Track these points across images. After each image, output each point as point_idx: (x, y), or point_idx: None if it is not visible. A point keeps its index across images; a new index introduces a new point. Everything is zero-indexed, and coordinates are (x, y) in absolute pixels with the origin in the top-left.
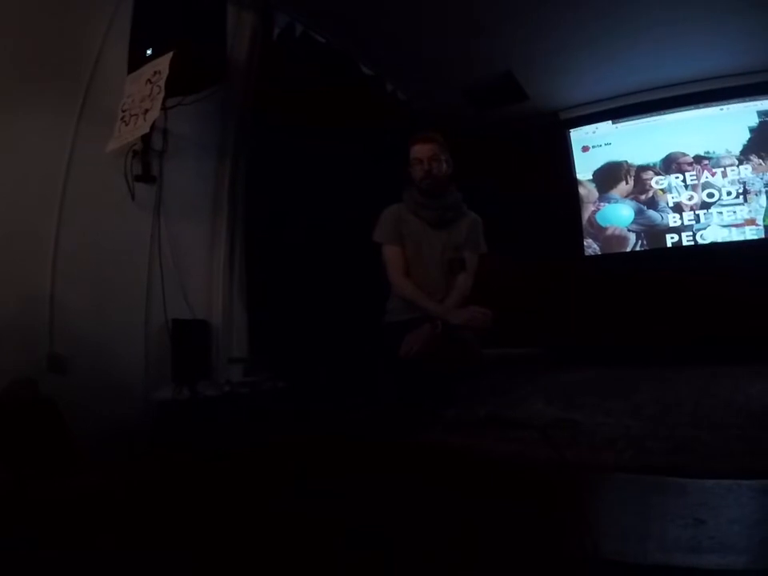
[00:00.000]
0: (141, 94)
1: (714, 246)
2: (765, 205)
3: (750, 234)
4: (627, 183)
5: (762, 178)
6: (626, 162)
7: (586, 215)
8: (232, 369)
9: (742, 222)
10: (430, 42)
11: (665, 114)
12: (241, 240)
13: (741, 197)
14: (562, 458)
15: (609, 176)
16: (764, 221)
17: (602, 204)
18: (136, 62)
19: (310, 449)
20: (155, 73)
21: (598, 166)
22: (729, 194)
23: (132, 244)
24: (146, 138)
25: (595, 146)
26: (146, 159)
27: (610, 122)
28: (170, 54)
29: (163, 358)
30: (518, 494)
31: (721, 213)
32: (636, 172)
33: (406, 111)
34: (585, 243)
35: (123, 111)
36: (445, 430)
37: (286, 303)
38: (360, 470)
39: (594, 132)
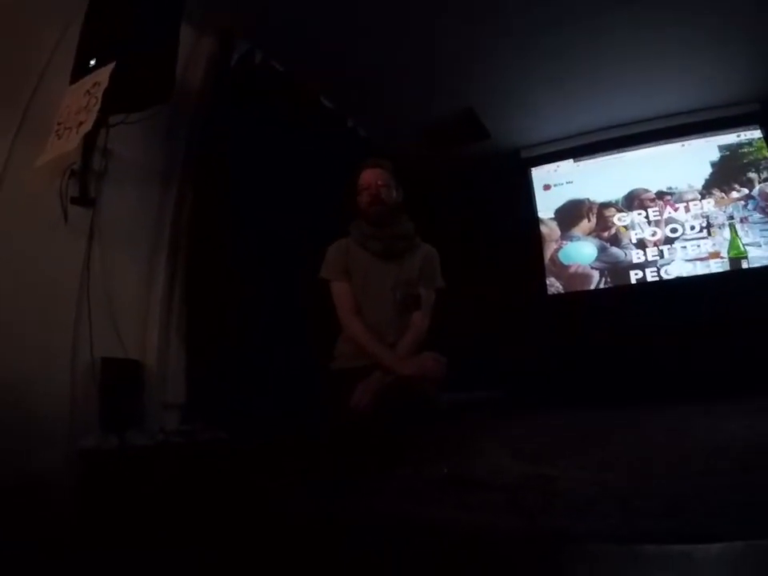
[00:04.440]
0: (77, 106)
1: (679, 281)
2: (729, 238)
3: (715, 267)
4: (589, 221)
5: (724, 212)
6: (588, 199)
7: (548, 254)
8: (167, 416)
9: (706, 255)
10: (390, 78)
11: (626, 151)
12: (182, 274)
13: (704, 231)
14: (536, 529)
15: (571, 214)
16: (728, 253)
17: (564, 242)
18: (79, 72)
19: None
20: (95, 84)
21: (560, 204)
22: (692, 228)
23: (62, 272)
24: (85, 157)
25: (557, 184)
26: (84, 180)
27: (571, 160)
28: (112, 65)
29: (92, 401)
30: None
31: (685, 247)
32: (598, 209)
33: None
34: (548, 282)
35: (59, 124)
36: (396, 495)
37: (230, 345)
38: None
39: (555, 170)
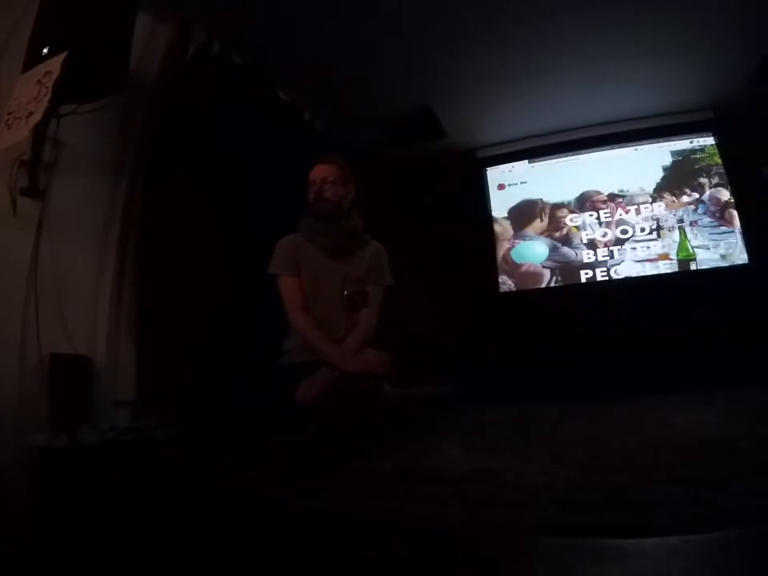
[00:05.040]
0: (28, 96)
1: (628, 281)
2: (678, 240)
3: (664, 268)
4: (542, 221)
5: (674, 215)
6: (541, 200)
7: (501, 252)
8: (118, 412)
9: (656, 256)
10: (348, 73)
11: (580, 153)
12: (132, 267)
13: (654, 233)
14: (478, 521)
15: (524, 214)
16: (678, 255)
17: (516, 241)
18: (32, 61)
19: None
20: (46, 73)
21: (514, 203)
22: (642, 230)
23: (10, 264)
24: (35, 148)
25: (511, 184)
26: (34, 171)
27: (526, 161)
28: (64, 54)
29: (40, 398)
30: (427, 568)
31: (635, 248)
32: (551, 210)
33: (321, 141)
34: (500, 280)
35: (9, 114)
36: (344, 488)
37: (180, 339)
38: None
39: (510, 171)
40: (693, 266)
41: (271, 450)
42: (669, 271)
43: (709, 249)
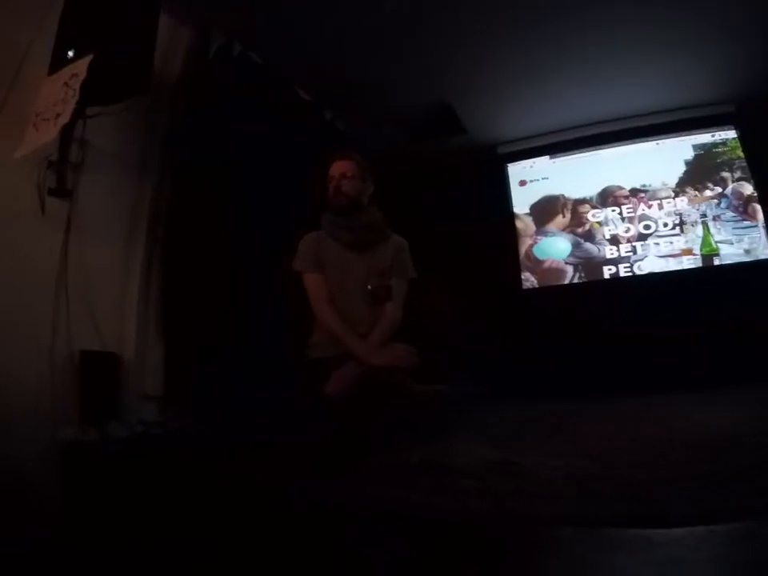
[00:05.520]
0: (55, 97)
1: (652, 276)
2: (701, 235)
3: (688, 263)
4: (564, 217)
5: (697, 209)
6: (563, 195)
7: (523, 249)
8: (145, 407)
9: (679, 252)
10: (368, 71)
11: (601, 148)
12: (159, 265)
13: (677, 228)
14: (505, 512)
15: (546, 210)
16: (701, 250)
17: (539, 237)
18: (58, 63)
19: None
20: (73, 75)
21: (535, 199)
22: (665, 225)
23: (40, 264)
24: (63, 148)
25: (532, 180)
26: (62, 171)
27: (547, 156)
28: (90, 57)
29: (70, 393)
30: (455, 557)
31: (658, 244)
32: (573, 206)
33: (343, 139)
34: (522, 276)
35: (36, 116)
36: (371, 480)
37: (207, 335)
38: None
39: (531, 166)
40: (716, 261)
41: (292, 449)
42: (692, 266)
43: (732, 244)
